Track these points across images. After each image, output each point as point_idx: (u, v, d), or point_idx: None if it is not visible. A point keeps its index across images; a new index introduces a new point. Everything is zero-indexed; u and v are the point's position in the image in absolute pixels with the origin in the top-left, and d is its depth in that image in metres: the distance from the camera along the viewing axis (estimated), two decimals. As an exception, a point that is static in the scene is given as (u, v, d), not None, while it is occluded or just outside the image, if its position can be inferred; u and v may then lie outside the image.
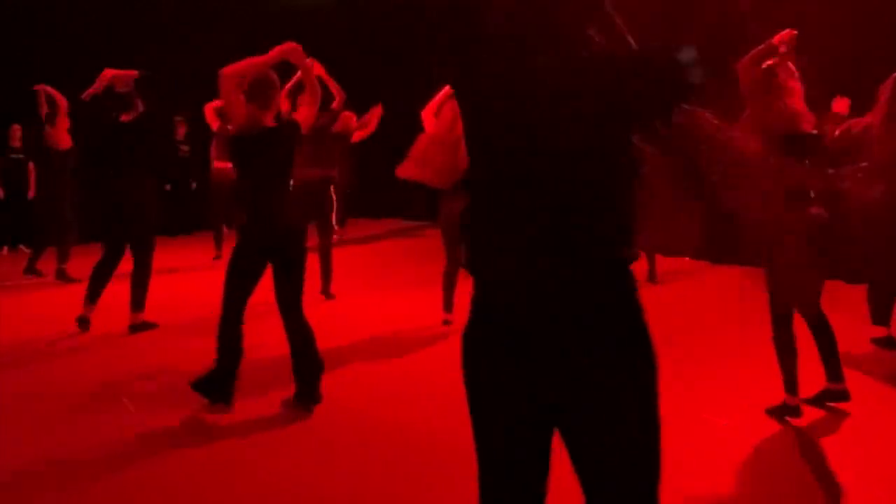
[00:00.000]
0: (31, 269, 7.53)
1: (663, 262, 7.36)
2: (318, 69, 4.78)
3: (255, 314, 3.90)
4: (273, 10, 11.44)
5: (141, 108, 5.34)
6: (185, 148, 10.80)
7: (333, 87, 6.08)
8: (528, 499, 1.47)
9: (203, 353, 3.86)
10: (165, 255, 5.83)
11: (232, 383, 3.71)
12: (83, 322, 5.39)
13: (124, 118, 5.32)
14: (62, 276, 7.36)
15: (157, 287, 5.68)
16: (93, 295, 5.40)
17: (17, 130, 9.08)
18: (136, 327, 5.41)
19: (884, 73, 4.84)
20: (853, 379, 3.77)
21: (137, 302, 5.43)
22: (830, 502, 2.84)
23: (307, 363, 3.74)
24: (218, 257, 8.51)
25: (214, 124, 7.74)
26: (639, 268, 7.26)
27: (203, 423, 3.67)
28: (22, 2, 9.81)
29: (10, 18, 9.71)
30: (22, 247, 9.60)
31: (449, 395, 3.89)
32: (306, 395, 3.74)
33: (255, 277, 3.72)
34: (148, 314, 5.49)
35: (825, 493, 2.90)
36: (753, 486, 3.00)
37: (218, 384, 3.67)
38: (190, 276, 7.67)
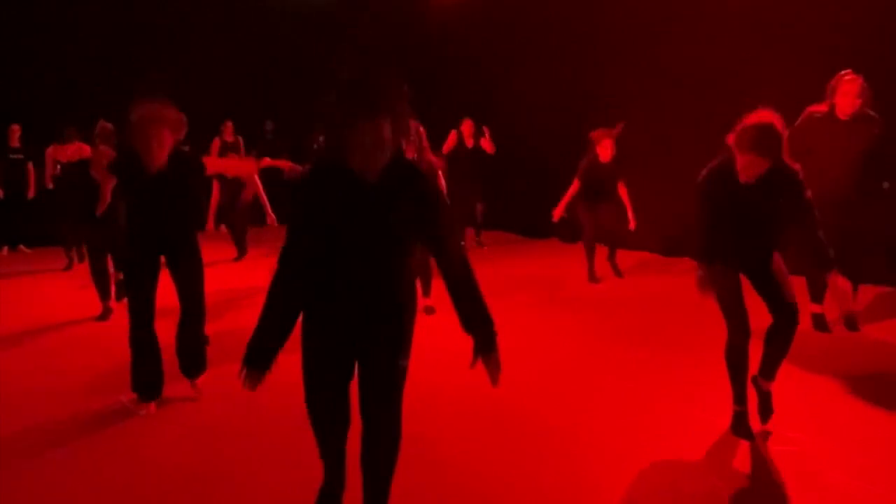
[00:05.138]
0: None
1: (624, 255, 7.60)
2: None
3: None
4: (272, 10, 11.49)
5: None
6: (185, 149, 10.78)
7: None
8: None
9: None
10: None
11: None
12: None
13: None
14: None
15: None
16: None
17: (16, 130, 9.08)
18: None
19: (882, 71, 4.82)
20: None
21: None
22: (830, 501, 2.83)
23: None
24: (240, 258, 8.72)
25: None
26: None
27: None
28: (22, 2, 9.85)
29: (10, 19, 9.76)
30: (22, 246, 9.61)
31: (440, 390, 3.87)
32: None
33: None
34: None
35: (824, 492, 2.89)
36: (752, 484, 3.00)
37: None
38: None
